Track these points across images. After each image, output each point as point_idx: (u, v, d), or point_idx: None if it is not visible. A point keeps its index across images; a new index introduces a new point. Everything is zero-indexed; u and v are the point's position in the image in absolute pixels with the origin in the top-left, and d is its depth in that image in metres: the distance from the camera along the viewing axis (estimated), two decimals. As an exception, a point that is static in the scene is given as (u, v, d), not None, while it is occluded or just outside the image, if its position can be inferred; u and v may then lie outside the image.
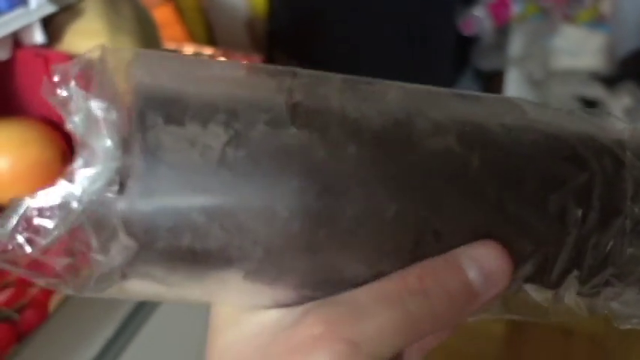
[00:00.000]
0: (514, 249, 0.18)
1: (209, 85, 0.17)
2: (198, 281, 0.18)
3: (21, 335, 0.50)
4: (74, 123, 0.16)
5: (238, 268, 0.17)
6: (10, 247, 0.16)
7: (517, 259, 0.18)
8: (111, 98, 0.16)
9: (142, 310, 0.63)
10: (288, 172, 0.17)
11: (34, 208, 0.16)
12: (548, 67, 1.21)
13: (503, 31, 1.23)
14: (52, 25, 0.60)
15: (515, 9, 1.21)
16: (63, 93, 0.16)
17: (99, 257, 0.16)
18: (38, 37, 0.56)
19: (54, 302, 0.53)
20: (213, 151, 0.16)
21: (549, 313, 0.20)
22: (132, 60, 0.17)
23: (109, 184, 0.16)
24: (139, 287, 0.18)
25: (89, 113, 0.16)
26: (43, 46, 0.57)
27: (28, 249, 0.16)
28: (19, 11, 0.53)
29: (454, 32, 1.26)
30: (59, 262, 0.16)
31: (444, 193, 0.18)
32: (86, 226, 0.16)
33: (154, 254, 0.16)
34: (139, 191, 0.16)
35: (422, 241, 0.18)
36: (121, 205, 0.16)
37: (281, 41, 1.48)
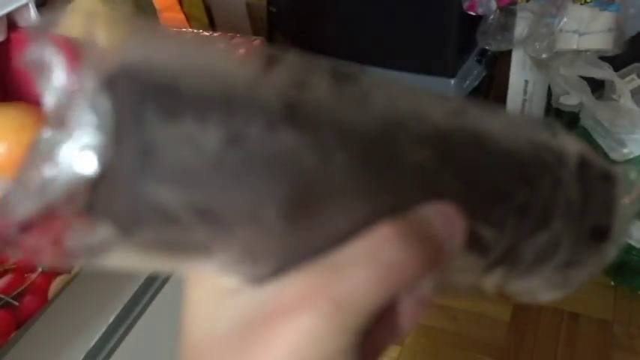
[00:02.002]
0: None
1: (205, 73, 0.16)
2: (176, 265, 0.18)
3: (20, 321, 0.50)
4: (53, 96, 0.15)
5: (217, 259, 0.17)
6: None
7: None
8: (100, 77, 0.15)
9: (144, 296, 0.63)
10: (279, 177, 0.16)
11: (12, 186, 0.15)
12: (554, 47, 1.19)
13: (508, 10, 1.21)
14: (47, 7, 0.58)
15: (521, -12, 1.19)
16: (40, 57, 0.15)
17: (77, 239, 0.15)
18: (33, 18, 0.55)
19: (53, 288, 0.53)
20: (207, 153, 0.15)
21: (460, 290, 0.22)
22: (125, 36, 0.16)
23: (91, 171, 0.15)
24: (114, 263, 0.17)
25: (73, 89, 0.15)
26: (38, 28, 0.56)
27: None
28: (12, -8, 0.52)
29: (459, 12, 1.24)
30: (40, 240, 0.15)
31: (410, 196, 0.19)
32: (66, 209, 0.15)
33: (136, 244, 0.16)
34: (127, 186, 0.15)
35: None
36: (105, 195, 0.15)
37: (281, 23, 1.46)
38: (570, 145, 0.22)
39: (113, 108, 0.15)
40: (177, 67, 0.16)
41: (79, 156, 0.15)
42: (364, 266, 0.18)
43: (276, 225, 0.17)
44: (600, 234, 0.23)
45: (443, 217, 0.19)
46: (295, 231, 0.17)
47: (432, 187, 0.19)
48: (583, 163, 0.22)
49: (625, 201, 0.23)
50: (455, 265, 0.21)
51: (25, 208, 0.15)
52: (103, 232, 0.15)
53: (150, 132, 0.15)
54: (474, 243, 0.20)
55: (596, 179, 0.23)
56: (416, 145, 0.19)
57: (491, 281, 0.22)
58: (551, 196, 0.21)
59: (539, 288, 0.23)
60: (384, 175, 0.18)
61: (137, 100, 0.15)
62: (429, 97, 0.21)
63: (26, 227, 0.15)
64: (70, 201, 0.15)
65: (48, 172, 0.15)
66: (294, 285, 0.18)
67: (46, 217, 0.15)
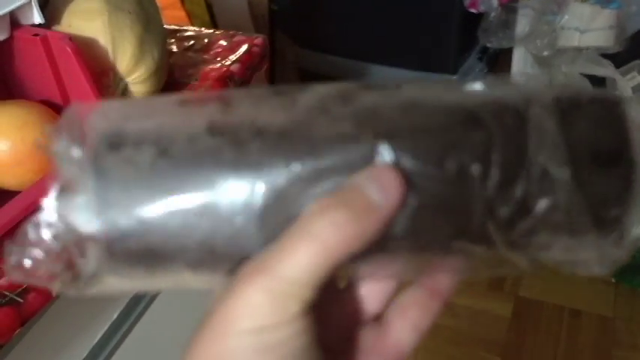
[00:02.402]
0: (423, 211, 0.20)
1: (147, 119, 0.22)
2: (156, 274, 0.22)
3: (25, 318, 0.50)
4: (57, 160, 0.21)
5: (180, 260, 0.21)
6: (22, 265, 0.21)
7: (430, 222, 0.21)
8: (78, 141, 0.21)
9: (147, 293, 0.63)
10: (205, 170, 0.20)
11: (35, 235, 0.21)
12: (556, 44, 1.19)
13: (510, 8, 1.21)
14: (50, 5, 0.59)
15: (523, -14, 1.18)
16: (56, 143, 0.21)
17: (80, 261, 0.21)
18: (36, 17, 0.55)
19: (57, 285, 0.53)
20: (143, 165, 0.21)
21: (495, 266, 0.22)
22: (92, 111, 0.23)
23: (81, 206, 0.21)
24: (115, 283, 0.22)
25: (65, 154, 0.21)
26: (41, 26, 0.56)
27: (33, 265, 0.21)
28: (15, -10, 0.52)
29: (460, 10, 1.24)
30: (56, 268, 0.21)
31: (344, 176, 0.20)
32: (68, 242, 0.21)
33: (115, 255, 0.21)
34: (94, 206, 0.21)
35: None
36: (83, 219, 0.21)
37: (283, 21, 1.46)
38: (543, 87, 0.22)
39: (83, 153, 0.21)
40: (126, 120, 0.22)
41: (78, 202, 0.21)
42: (298, 242, 0.20)
43: (212, 219, 0.20)
44: (610, 158, 0.21)
45: (373, 179, 0.20)
46: (233, 226, 0.20)
47: (356, 154, 0.20)
48: (561, 98, 0.21)
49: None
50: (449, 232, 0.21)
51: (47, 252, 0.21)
52: (94, 254, 0.21)
53: (103, 162, 0.21)
54: (448, 199, 0.20)
55: (585, 106, 0.22)
56: (335, 121, 0.21)
57: (512, 246, 0.21)
58: (516, 133, 0.21)
59: (580, 249, 0.21)
60: (302, 149, 0.20)
61: (95, 145, 0.21)
62: (367, 86, 0.22)
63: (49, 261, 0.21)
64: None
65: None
66: (243, 270, 0.20)
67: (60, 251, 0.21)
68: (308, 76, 1.52)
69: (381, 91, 0.22)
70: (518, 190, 0.20)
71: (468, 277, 0.24)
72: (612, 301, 1.32)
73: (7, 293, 0.49)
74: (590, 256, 0.22)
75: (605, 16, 1.16)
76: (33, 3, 0.54)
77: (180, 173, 0.20)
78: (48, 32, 0.55)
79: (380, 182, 0.20)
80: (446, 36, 1.32)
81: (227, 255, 0.21)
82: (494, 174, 0.20)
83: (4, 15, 0.52)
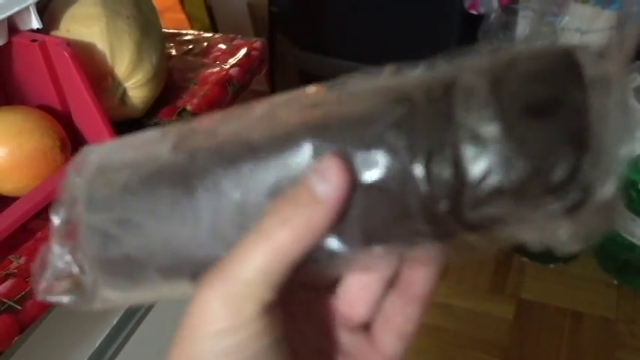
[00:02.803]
0: (365, 198, 0.20)
1: (132, 149, 0.25)
2: (138, 283, 0.24)
3: (24, 326, 0.50)
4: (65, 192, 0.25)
5: (151, 266, 0.23)
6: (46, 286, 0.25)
7: (374, 209, 0.20)
8: (80, 172, 0.25)
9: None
10: (163, 182, 0.23)
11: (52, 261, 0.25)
12: (556, 46, 1.18)
13: (510, 9, 1.21)
14: (48, 11, 0.58)
15: (523, -13, 1.18)
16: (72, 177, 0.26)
17: (82, 276, 0.24)
18: (34, 22, 0.55)
19: (56, 292, 0.53)
20: (118, 183, 0.24)
21: (462, 251, 0.21)
22: (89, 151, 0.26)
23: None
24: (113, 296, 0.24)
25: (70, 183, 0.25)
26: (39, 31, 0.56)
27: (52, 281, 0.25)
28: (12, -4, 0.52)
29: (460, 11, 1.24)
30: (67, 286, 0.24)
31: (287, 174, 0.21)
32: (73, 261, 0.24)
33: (103, 266, 0.24)
34: (85, 223, 0.24)
35: None
36: (80, 237, 0.24)
37: (282, 23, 1.46)
38: (486, 55, 0.20)
39: (81, 180, 0.25)
40: (117, 152, 0.25)
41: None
42: (252, 244, 0.20)
43: (172, 225, 0.22)
44: (548, 109, 0.18)
45: (315, 172, 0.20)
46: (195, 233, 0.22)
47: (293, 151, 0.21)
48: (500, 60, 0.20)
49: (596, 66, 0.19)
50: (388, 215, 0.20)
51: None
52: (89, 269, 0.24)
53: (93, 184, 0.25)
54: (382, 183, 0.20)
55: (522, 62, 0.19)
56: (273, 123, 0.22)
57: (464, 224, 0.19)
58: (441, 99, 0.19)
59: (539, 219, 0.19)
60: (243, 154, 0.22)
61: (89, 173, 0.25)
62: (317, 89, 0.23)
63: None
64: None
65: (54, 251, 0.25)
66: (205, 275, 0.21)
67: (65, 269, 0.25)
68: (308, 79, 1.52)
69: (326, 89, 0.22)
70: (448, 158, 0.19)
71: (439, 264, 0.23)
72: (614, 303, 1.31)
73: (6, 300, 0.49)
74: (560, 229, 0.19)
75: (606, 17, 1.16)
76: (31, 8, 0.54)
77: (145, 186, 0.23)
78: (46, 38, 0.55)
79: (322, 173, 0.20)
80: (446, 37, 1.31)
81: (188, 259, 0.22)
82: (421, 144, 0.19)
83: (2, 20, 0.52)
